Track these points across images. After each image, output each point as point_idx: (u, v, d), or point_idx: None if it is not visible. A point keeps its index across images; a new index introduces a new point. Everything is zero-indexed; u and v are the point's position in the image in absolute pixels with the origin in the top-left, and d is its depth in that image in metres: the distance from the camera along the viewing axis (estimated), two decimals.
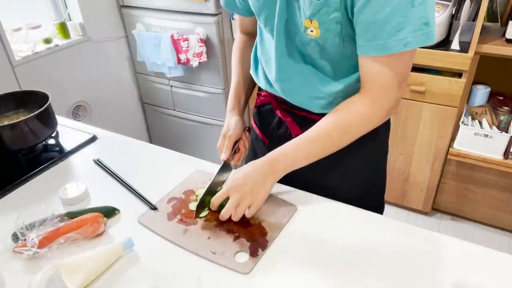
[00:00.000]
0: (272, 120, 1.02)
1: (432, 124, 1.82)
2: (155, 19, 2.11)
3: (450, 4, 1.65)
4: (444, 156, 1.88)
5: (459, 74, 1.68)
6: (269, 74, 0.93)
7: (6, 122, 1.03)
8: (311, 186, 0.93)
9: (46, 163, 1.06)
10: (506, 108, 1.79)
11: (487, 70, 1.78)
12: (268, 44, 0.90)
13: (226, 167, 0.92)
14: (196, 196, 0.91)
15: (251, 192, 0.79)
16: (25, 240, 0.77)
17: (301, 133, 0.84)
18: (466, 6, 1.62)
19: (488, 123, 1.77)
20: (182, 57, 2.02)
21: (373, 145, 0.95)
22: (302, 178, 0.93)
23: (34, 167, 1.04)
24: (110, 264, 0.75)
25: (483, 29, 1.62)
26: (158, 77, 2.31)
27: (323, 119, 0.83)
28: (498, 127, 1.76)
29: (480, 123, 1.79)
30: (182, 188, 0.94)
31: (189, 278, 0.72)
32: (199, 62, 2.03)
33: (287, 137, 0.86)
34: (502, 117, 1.78)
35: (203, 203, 0.84)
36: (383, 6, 0.66)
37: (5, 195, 0.96)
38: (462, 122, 1.76)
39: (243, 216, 0.83)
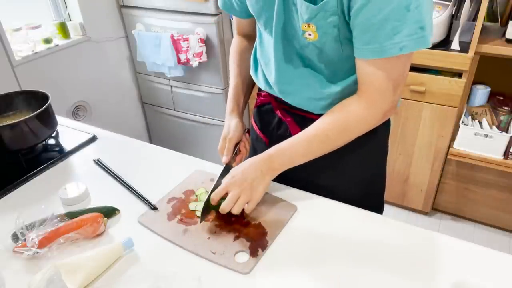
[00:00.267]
0: (272, 120, 1.02)
1: (432, 124, 1.82)
2: (155, 19, 2.11)
3: (450, 4, 1.65)
4: (444, 156, 1.88)
5: (459, 74, 1.68)
6: (269, 76, 0.93)
7: (6, 122, 1.03)
8: (310, 186, 0.93)
9: (46, 163, 1.06)
10: (506, 108, 1.79)
11: (487, 70, 1.78)
12: (267, 46, 0.90)
13: (228, 169, 0.92)
14: (196, 196, 0.91)
15: (250, 187, 0.80)
16: (25, 240, 0.77)
17: None
18: (466, 6, 1.62)
19: (488, 123, 1.77)
20: (182, 57, 2.02)
21: (372, 144, 0.95)
22: (302, 178, 0.93)
23: (34, 167, 1.04)
24: (110, 264, 0.75)
25: (483, 29, 1.62)
26: (158, 77, 2.31)
27: (320, 119, 0.83)
28: (498, 127, 1.76)
29: (480, 123, 1.79)
30: (182, 188, 0.94)
31: (189, 278, 0.72)
32: (199, 62, 2.03)
33: (287, 137, 0.86)
34: (502, 117, 1.78)
35: (208, 208, 0.84)
36: (379, 10, 0.67)
37: (5, 195, 0.96)
38: (462, 122, 1.76)
39: (243, 216, 0.83)
